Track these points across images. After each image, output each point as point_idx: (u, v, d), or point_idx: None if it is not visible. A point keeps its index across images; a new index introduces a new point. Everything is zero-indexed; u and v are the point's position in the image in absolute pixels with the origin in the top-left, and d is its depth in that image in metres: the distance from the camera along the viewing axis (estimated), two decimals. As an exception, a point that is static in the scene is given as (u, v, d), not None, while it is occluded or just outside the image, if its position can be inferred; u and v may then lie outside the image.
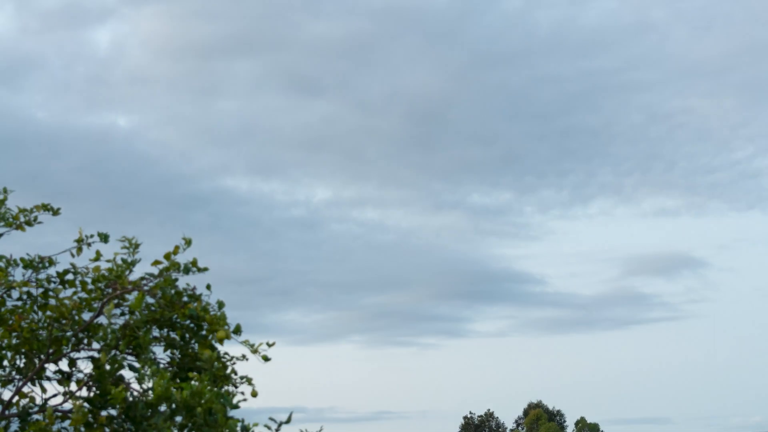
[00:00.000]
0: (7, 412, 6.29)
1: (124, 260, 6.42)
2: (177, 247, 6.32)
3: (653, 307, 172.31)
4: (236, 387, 6.30)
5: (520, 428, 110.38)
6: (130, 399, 5.99)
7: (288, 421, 6.16)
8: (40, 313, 6.49)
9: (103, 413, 6.11)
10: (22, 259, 6.64)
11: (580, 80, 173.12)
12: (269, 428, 6.18)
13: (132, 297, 6.30)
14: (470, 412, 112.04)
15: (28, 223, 6.84)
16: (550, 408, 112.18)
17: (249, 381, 6.31)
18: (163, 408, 5.89)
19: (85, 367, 6.32)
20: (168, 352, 6.41)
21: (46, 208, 6.83)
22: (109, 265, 6.45)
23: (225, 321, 6.26)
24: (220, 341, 6.23)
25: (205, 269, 6.38)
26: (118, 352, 6.19)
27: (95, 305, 6.38)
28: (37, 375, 6.39)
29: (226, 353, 6.37)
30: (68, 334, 6.31)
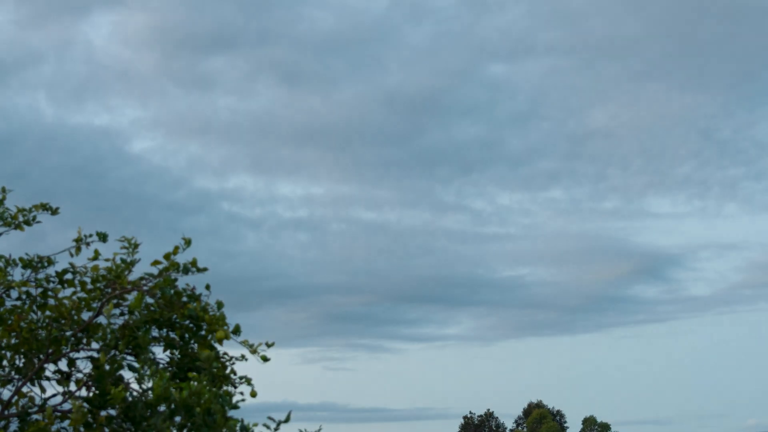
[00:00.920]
0: (6, 412, 6.28)
1: (123, 260, 6.41)
2: (177, 248, 6.32)
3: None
4: (235, 387, 6.29)
5: (520, 428, 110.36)
6: (130, 399, 5.98)
7: (287, 420, 6.15)
8: (39, 313, 6.48)
9: (103, 413, 6.11)
10: (21, 259, 6.64)
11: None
12: (268, 427, 6.18)
13: (131, 297, 6.30)
14: (470, 412, 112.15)
15: (27, 223, 6.83)
16: (551, 408, 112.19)
17: (248, 381, 6.31)
18: (162, 408, 5.89)
19: (85, 367, 6.32)
20: (167, 352, 6.40)
21: (45, 207, 6.83)
22: (108, 264, 6.45)
23: (224, 321, 6.26)
24: (220, 341, 6.23)
25: (205, 269, 6.38)
26: (117, 352, 6.18)
27: (94, 305, 6.37)
28: (36, 375, 6.39)
29: (225, 353, 6.37)
30: (67, 334, 6.31)
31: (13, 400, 6.32)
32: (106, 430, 6.03)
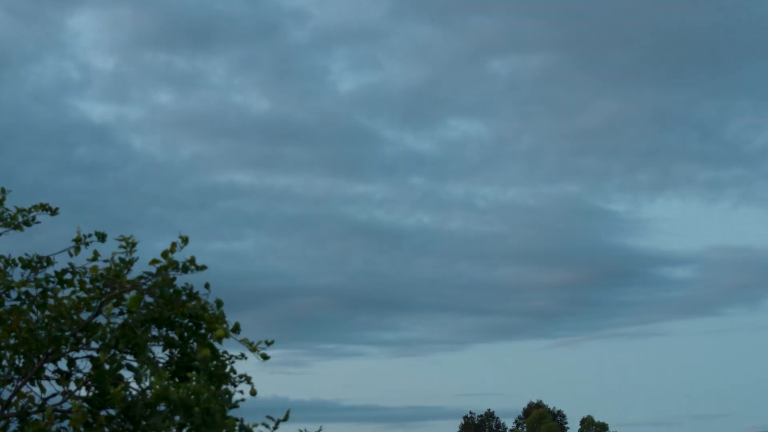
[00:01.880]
0: (6, 412, 6.28)
1: (121, 259, 6.41)
2: (174, 245, 6.31)
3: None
4: (235, 386, 6.29)
5: (520, 428, 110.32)
6: (129, 398, 5.98)
7: (286, 419, 6.16)
8: (38, 313, 6.49)
9: (103, 413, 6.11)
10: (20, 259, 6.65)
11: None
12: (267, 426, 6.19)
13: (130, 296, 6.30)
14: (470, 412, 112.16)
15: (26, 223, 6.84)
16: (551, 408, 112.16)
17: (248, 380, 6.31)
18: (161, 407, 5.89)
19: (84, 366, 6.32)
20: (167, 352, 6.40)
21: (44, 208, 6.84)
22: (107, 264, 6.45)
23: (224, 320, 6.26)
24: (219, 340, 6.23)
25: (204, 267, 6.38)
26: (117, 352, 6.19)
27: (94, 305, 6.38)
28: (36, 375, 6.39)
29: (225, 352, 6.37)
30: (67, 333, 6.31)
31: (13, 400, 6.32)
32: (106, 429, 6.03)
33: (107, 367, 6.13)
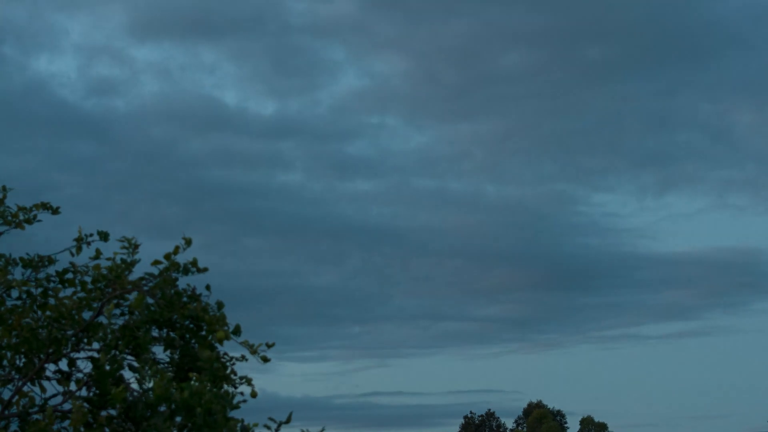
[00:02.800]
0: (6, 412, 6.28)
1: (123, 260, 6.41)
2: (177, 247, 6.32)
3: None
4: (236, 387, 6.29)
5: (520, 428, 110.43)
6: (130, 399, 5.98)
7: (288, 421, 6.15)
8: (39, 313, 6.48)
9: (103, 413, 6.10)
10: (21, 258, 6.64)
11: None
12: (269, 428, 6.18)
13: (132, 297, 6.30)
14: (471, 412, 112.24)
15: (28, 222, 6.83)
16: (551, 408, 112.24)
17: (248, 381, 6.30)
18: (163, 408, 5.89)
19: (85, 367, 6.32)
20: (168, 353, 6.40)
21: (45, 206, 6.83)
22: (109, 264, 6.44)
23: (225, 321, 6.26)
24: (220, 341, 6.22)
25: (205, 269, 6.38)
26: (117, 352, 6.18)
27: (95, 305, 6.37)
28: (36, 375, 6.38)
29: (225, 353, 6.37)
30: (68, 333, 6.31)
31: (14, 400, 6.32)
32: (107, 430, 6.02)
33: (108, 367, 6.13)
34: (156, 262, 6.32)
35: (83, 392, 6.24)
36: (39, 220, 6.85)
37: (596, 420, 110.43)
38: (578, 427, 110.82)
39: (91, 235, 6.70)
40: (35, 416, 6.24)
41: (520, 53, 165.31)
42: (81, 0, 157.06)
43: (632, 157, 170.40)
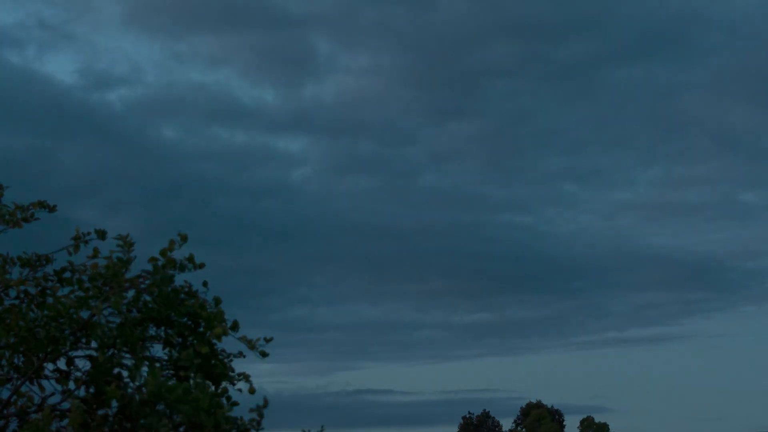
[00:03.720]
0: (5, 412, 6.29)
1: (119, 258, 6.41)
2: (173, 242, 6.31)
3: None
4: (233, 384, 6.30)
5: (519, 428, 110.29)
6: (126, 397, 5.98)
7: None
8: (37, 312, 6.48)
9: (101, 412, 6.11)
10: (19, 257, 6.64)
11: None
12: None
13: (129, 295, 6.30)
14: (469, 412, 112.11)
15: (25, 220, 6.83)
16: (549, 407, 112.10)
17: (246, 378, 6.31)
18: (160, 406, 5.89)
19: (83, 365, 6.32)
20: (165, 350, 6.40)
21: (42, 205, 6.83)
22: (106, 262, 6.45)
23: (222, 318, 6.26)
24: (218, 338, 6.23)
25: (202, 266, 6.38)
26: (114, 351, 6.18)
27: (93, 304, 6.37)
28: (35, 374, 6.39)
29: (223, 350, 6.37)
30: (66, 332, 6.31)
31: (12, 400, 6.33)
32: (106, 429, 6.03)
33: (105, 366, 6.13)
34: (153, 260, 6.32)
35: (82, 391, 6.24)
36: (37, 219, 6.85)
37: (596, 420, 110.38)
38: (577, 426, 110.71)
39: (89, 233, 6.71)
40: (34, 415, 6.24)
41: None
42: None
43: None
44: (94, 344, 6.31)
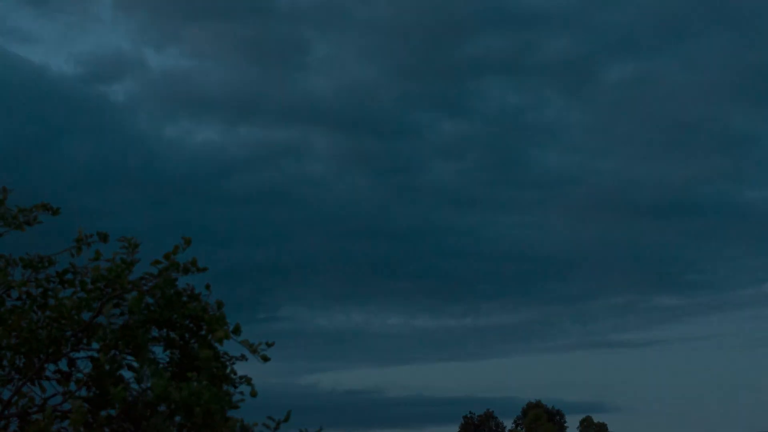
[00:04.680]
0: (6, 412, 6.29)
1: (123, 260, 6.41)
2: (177, 247, 6.32)
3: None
4: (235, 387, 6.30)
5: (519, 428, 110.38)
6: (130, 399, 5.99)
7: (286, 420, 6.17)
8: (39, 313, 6.49)
9: (103, 413, 6.12)
10: (21, 259, 6.64)
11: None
12: (268, 427, 6.19)
13: (131, 297, 6.31)
14: (470, 412, 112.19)
15: (28, 223, 6.83)
16: (549, 407, 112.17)
17: (248, 381, 6.32)
18: (162, 408, 5.90)
19: (85, 366, 6.33)
20: (167, 352, 6.41)
21: (45, 207, 6.83)
22: (109, 264, 6.45)
23: (224, 321, 6.26)
24: (219, 341, 6.23)
25: (205, 269, 6.38)
26: (117, 352, 6.19)
27: (95, 305, 6.38)
28: (36, 375, 6.40)
29: (225, 353, 6.38)
30: (68, 333, 6.32)
31: (14, 400, 6.33)
32: (107, 430, 6.03)
33: (108, 367, 6.14)
34: (156, 262, 6.33)
35: (83, 392, 6.25)
36: (39, 222, 6.85)
37: (595, 420, 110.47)
38: (577, 426, 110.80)
39: (91, 235, 6.70)
40: (35, 416, 6.25)
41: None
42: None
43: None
44: (95, 345, 6.31)
